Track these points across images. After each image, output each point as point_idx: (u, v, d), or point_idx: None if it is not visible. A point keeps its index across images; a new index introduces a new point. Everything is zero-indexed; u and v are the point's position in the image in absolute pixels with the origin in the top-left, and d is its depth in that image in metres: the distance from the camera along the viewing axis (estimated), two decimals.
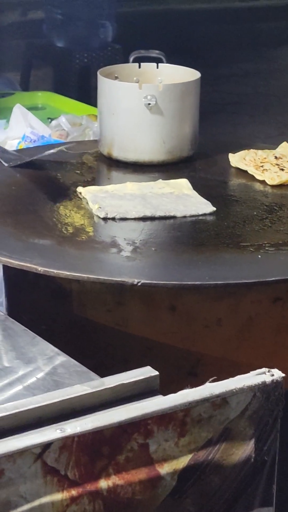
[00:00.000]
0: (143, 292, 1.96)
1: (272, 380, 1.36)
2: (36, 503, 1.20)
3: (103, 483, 1.25)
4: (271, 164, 2.48)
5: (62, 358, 1.50)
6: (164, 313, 2.02)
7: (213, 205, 2.24)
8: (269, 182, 2.40)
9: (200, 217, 2.20)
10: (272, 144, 2.66)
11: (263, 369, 1.38)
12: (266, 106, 5.74)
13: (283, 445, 1.43)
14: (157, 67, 2.64)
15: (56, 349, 1.53)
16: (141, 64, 2.64)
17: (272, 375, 1.37)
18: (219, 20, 6.88)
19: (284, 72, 6.56)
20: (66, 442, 1.22)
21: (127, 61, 2.67)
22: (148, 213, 2.19)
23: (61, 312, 2.07)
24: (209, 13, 6.88)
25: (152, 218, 2.18)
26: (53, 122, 3.06)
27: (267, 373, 1.37)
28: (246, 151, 2.57)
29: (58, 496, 1.22)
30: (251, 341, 2.04)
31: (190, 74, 2.59)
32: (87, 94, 3.63)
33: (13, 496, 1.19)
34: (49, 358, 1.50)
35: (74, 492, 1.23)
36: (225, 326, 2.03)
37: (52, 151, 2.58)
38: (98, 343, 2.02)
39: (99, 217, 2.18)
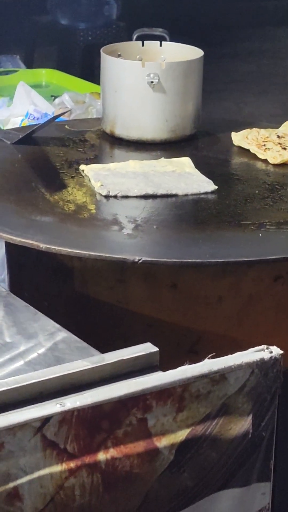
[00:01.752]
0: (144, 269, 1.97)
1: (271, 357, 1.37)
2: (35, 475, 1.21)
3: (102, 457, 1.26)
4: (274, 143, 2.47)
5: (63, 334, 1.51)
6: (165, 290, 2.02)
7: (215, 183, 2.25)
8: (271, 161, 2.40)
9: (202, 196, 2.21)
10: (276, 123, 2.66)
11: (262, 346, 1.38)
12: (270, 85, 5.72)
13: (282, 422, 1.44)
14: (160, 45, 2.64)
15: (57, 325, 1.54)
16: (145, 42, 2.64)
17: (271, 352, 1.38)
18: None
19: None
20: (66, 416, 1.22)
21: (130, 39, 2.66)
22: (150, 191, 2.19)
23: (62, 289, 2.07)
24: None
25: (153, 196, 2.18)
26: (57, 100, 3.05)
27: (265, 350, 1.38)
28: (248, 130, 2.56)
29: (57, 469, 1.23)
30: (251, 319, 2.05)
31: (193, 53, 2.58)
32: (91, 72, 3.63)
33: (13, 469, 1.20)
34: (50, 334, 1.51)
35: (72, 465, 1.24)
36: (226, 304, 2.03)
37: (54, 120, 2.59)
38: (99, 320, 2.02)
39: (101, 195, 2.18)
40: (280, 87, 5.68)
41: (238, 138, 2.52)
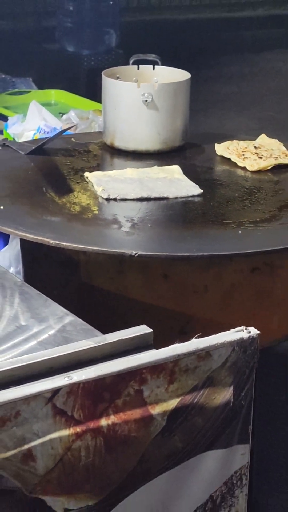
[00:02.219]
0: (140, 262, 1.97)
1: (249, 337, 1.37)
2: (46, 439, 1.22)
3: (104, 423, 1.26)
4: (251, 153, 2.48)
5: (70, 318, 1.51)
6: (158, 280, 2.02)
7: (201, 188, 2.24)
8: (249, 168, 2.40)
9: (189, 198, 2.20)
10: (253, 136, 2.66)
11: (241, 328, 1.39)
12: (248, 104, 5.72)
13: (259, 392, 1.45)
14: (154, 69, 2.63)
15: (65, 310, 1.53)
16: (140, 66, 2.63)
17: (249, 332, 1.38)
18: (208, 29, 6.83)
19: (264, 74, 6.53)
20: (73, 388, 1.23)
21: (127, 64, 2.66)
22: (145, 194, 2.19)
23: (69, 280, 2.07)
24: (200, 22, 6.83)
25: (148, 199, 2.18)
26: (64, 116, 3.05)
27: (244, 330, 1.38)
28: (229, 141, 2.56)
29: (65, 433, 1.23)
30: (233, 304, 2.05)
31: (182, 75, 2.58)
32: (94, 92, 3.61)
33: (27, 433, 1.20)
34: (59, 317, 1.51)
35: (79, 430, 1.24)
36: (211, 292, 2.03)
37: (61, 133, 2.59)
38: (101, 306, 2.02)
39: (103, 198, 2.18)
40: (257, 106, 5.67)
41: (221, 148, 2.52)
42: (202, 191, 2.23)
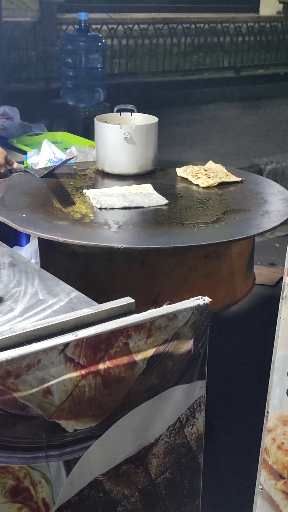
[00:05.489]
0: (125, 253, 1.96)
1: (204, 304, 1.37)
2: (60, 379, 1.21)
3: (101, 366, 1.26)
4: (202, 174, 2.47)
5: (75, 293, 1.50)
6: (137, 265, 2.02)
7: (167, 199, 2.23)
8: (201, 185, 2.39)
9: (159, 207, 2.19)
10: (202, 162, 2.65)
11: (198, 297, 1.38)
12: (198, 140, 5.72)
13: (210, 343, 1.44)
14: (131, 115, 2.62)
15: (71, 288, 1.52)
16: (121, 113, 2.62)
17: (204, 300, 1.38)
18: (169, 87, 6.83)
19: (209, 120, 6.54)
20: (78, 342, 1.22)
21: (112, 112, 2.64)
22: (127, 204, 2.17)
23: (74, 266, 2.06)
24: (163, 83, 6.84)
25: (129, 208, 2.16)
26: (67, 150, 3.02)
27: (200, 299, 1.38)
28: (186, 166, 2.56)
29: (73, 375, 1.23)
30: (191, 282, 2.04)
31: (151, 120, 2.56)
32: (88, 133, 3.60)
33: (46, 375, 1.20)
34: (67, 293, 1.50)
35: (83, 372, 1.24)
36: (175, 273, 2.03)
37: (66, 162, 2.57)
38: (97, 284, 2.01)
39: (97, 208, 2.16)
40: (204, 142, 5.68)
41: (180, 171, 2.52)
42: (167, 201, 2.22)
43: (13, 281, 1.55)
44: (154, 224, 2.10)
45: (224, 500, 2.19)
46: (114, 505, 1.37)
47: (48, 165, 2.75)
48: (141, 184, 2.38)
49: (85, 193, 2.29)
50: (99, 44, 4.79)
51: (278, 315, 1.56)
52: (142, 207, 2.18)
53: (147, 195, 2.27)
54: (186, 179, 2.47)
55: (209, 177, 2.44)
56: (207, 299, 1.38)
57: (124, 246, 1.87)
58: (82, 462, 1.28)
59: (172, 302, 1.35)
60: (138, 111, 2.63)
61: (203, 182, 2.40)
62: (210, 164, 2.61)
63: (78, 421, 1.25)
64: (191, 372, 1.39)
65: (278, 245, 4.11)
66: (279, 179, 4.71)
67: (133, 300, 1.37)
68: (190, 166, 2.57)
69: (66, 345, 1.21)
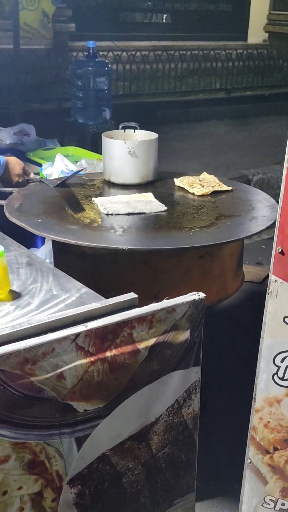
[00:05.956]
0: (129, 254, 1.95)
1: (199, 298, 1.37)
2: (72, 365, 1.21)
3: (108, 354, 1.26)
4: (197, 183, 2.47)
5: (85, 289, 1.50)
6: (140, 265, 2.01)
7: (166, 206, 2.23)
8: (196, 193, 2.39)
9: (158, 213, 2.19)
10: (198, 173, 2.65)
11: (194, 293, 1.38)
12: (193, 154, 5.71)
13: (205, 333, 1.44)
14: (134, 132, 2.62)
15: (82, 285, 1.52)
16: (126, 130, 2.62)
17: (199, 295, 1.38)
18: (168, 107, 6.81)
19: (203, 136, 6.52)
20: (88, 332, 1.22)
21: (118, 129, 2.64)
22: (131, 211, 2.17)
23: (83, 265, 2.06)
24: (162, 103, 6.82)
25: (132, 214, 2.16)
26: (78, 163, 3.02)
27: (196, 294, 1.38)
28: (183, 177, 2.55)
29: (84, 361, 1.23)
30: (187, 279, 2.04)
31: (152, 136, 2.56)
32: (96, 148, 3.59)
33: (60, 362, 1.20)
34: (77, 289, 1.50)
35: (92, 359, 1.24)
36: (174, 272, 2.02)
37: (76, 173, 2.57)
38: (104, 282, 2.01)
39: (104, 214, 2.16)
40: (199, 155, 5.66)
41: (177, 181, 2.52)
42: (166, 208, 2.22)
43: (30, 278, 1.55)
44: (155, 228, 2.10)
45: (217, 472, 2.19)
46: (119, 476, 1.38)
47: (61, 176, 2.75)
48: (143, 192, 2.38)
49: (94, 200, 2.29)
50: (106, 68, 4.79)
51: (265, 308, 1.56)
52: (144, 213, 2.18)
53: (148, 202, 2.27)
54: (183, 188, 2.46)
55: (203, 187, 2.43)
56: (202, 295, 1.38)
57: (128, 247, 1.86)
58: (91, 438, 1.29)
59: (171, 297, 1.35)
60: (140, 128, 2.63)
61: (198, 191, 2.40)
62: (204, 175, 2.60)
63: (87, 402, 1.25)
64: (188, 359, 1.39)
65: (264, 247, 4.11)
66: (265, 188, 4.70)
67: (136, 296, 1.37)
68: (186, 176, 2.56)
69: (77, 335, 1.21)
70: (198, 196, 2.38)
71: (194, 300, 1.36)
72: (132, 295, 1.37)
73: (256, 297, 3.24)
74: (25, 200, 2.28)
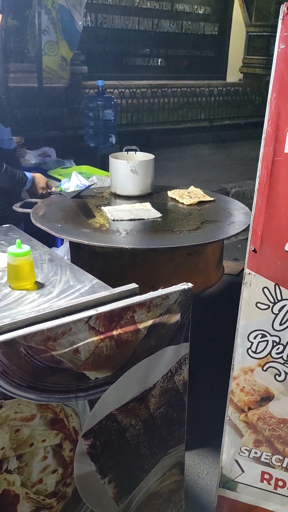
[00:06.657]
0: (131, 252, 1.95)
1: (188, 287, 1.37)
2: (85, 342, 1.20)
3: (115, 333, 1.25)
4: (186, 195, 2.46)
5: (96, 281, 1.50)
6: (140, 261, 2.01)
7: (161, 213, 2.22)
8: (185, 203, 2.38)
9: (155, 219, 2.18)
10: (186, 187, 2.64)
11: (184, 283, 1.38)
12: (182, 172, 5.70)
13: (193, 316, 1.43)
14: (135, 153, 2.61)
15: (93, 277, 1.52)
16: (128, 152, 2.61)
17: (188, 285, 1.37)
18: (162, 134, 6.80)
19: (190, 157, 6.51)
20: (99, 316, 1.22)
21: (122, 151, 2.64)
22: (132, 217, 2.16)
23: (94, 262, 2.06)
24: (158, 131, 6.80)
25: (134, 220, 2.16)
26: (90, 179, 3.01)
27: (185, 284, 1.37)
28: (174, 190, 2.55)
29: (95, 339, 1.22)
30: (178, 272, 2.04)
31: (149, 157, 2.55)
32: (105, 166, 3.58)
33: (75, 339, 1.19)
34: (90, 281, 1.50)
35: (102, 336, 1.23)
36: (167, 266, 2.02)
37: (89, 187, 2.57)
38: (111, 275, 2.00)
39: (111, 220, 2.15)
40: (187, 173, 5.65)
41: (170, 193, 2.51)
42: (161, 215, 2.21)
43: (51, 272, 1.55)
44: (152, 231, 2.09)
45: (202, 427, 2.19)
46: (123, 431, 1.37)
47: (76, 189, 2.75)
48: (142, 202, 2.37)
49: (103, 209, 2.28)
50: (112, 102, 4.78)
51: (241, 296, 1.56)
52: (143, 219, 2.17)
53: (147, 210, 2.26)
54: (175, 199, 2.46)
55: (191, 197, 2.43)
56: (190, 284, 1.37)
57: (130, 247, 1.86)
58: (101, 400, 1.28)
59: (165, 287, 1.35)
60: (140, 151, 2.62)
61: (186, 201, 2.39)
62: (192, 188, 2.60)
63: (98, 371, 1.25)
64: (179, 337, 1.39)
65: (240, 246, 4.11)
66: (241, 199, 4.69)
67: (137, 286, 1.37)
68: (177, 189, 2.56)
69: (90, 317, 1.20)
70: (187, 205, 2.37)
71: (184, 289, 1.36)
72: (133, 285, 1.37)
73: (233, 287, 3.23)
74: (48, 209, 2.27)
